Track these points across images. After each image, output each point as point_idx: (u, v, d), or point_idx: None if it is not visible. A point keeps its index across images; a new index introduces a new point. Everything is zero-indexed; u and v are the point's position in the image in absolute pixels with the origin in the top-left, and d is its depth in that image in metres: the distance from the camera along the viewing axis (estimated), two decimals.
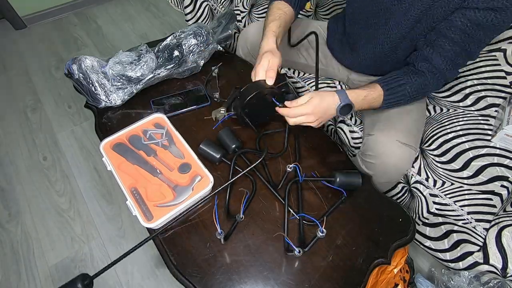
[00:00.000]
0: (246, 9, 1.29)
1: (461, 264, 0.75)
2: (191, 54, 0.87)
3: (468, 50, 0.65)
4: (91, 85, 0.79)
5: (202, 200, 0.69)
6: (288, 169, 0.68)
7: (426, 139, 0.87)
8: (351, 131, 0.91)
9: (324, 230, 0.58)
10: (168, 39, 0.87)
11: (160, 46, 0.86)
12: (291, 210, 0.66)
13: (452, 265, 0.76)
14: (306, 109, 0.65)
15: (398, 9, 0.70)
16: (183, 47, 0.85)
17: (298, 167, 0.68)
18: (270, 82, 0.67)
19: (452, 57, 0.66)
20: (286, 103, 0.68)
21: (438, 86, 0.73)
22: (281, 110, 0.68)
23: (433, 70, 0.69)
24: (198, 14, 1.30)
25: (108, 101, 0.81)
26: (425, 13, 0.66)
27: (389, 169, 0.75)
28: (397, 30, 0.72)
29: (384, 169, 0.75)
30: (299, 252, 0.58)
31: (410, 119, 0.79)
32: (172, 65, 0.85)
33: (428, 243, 0.82)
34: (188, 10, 1.28)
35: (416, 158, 0.84)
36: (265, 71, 0.68)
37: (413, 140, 0.76)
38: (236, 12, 1.28)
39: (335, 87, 1.01)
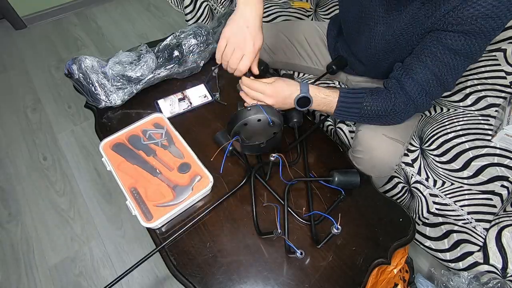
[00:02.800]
0: None
1: (461, 264, 0.74)
2: (191, 54, 0.87)
3: (441, 78, 0.62)
4: (91, 85, 0.79)
5: (202, 200, 0.69)
6: (271, 158, 0.63)
7: (426, 139, 0.87)
8: (351, 131, 0.91)
9: (339, 226, 0.57)
10: (168, 39, 0.87)
11: (160, 46, 0.86)
12: (292, 212, 0.66)
13: (452, 265, 0.76)
14: (268, 89, 0.65)
15: (381, 18, 0.68)
16: (183, 47, 0.85)
17: (281, 158, 0.62)
18: (255, 71, 0.68)
19: (423, 83, 0.63)
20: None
21: (406, 113, 0.68)
22: (244, 78, 0.68)
23: (401, 93, 0.65)
24: (198, 14, 1.30)
25: (108, 101, 0.81)
26: (406, 29, 0.65)
27: (377, 163, 0.75)
28: (383, 41, 0.71)
29: (372, 163, 0.75)
30: (301, 254, 0.57)
31: None
32: (172, 65, 0.85)
33: (428, 243, 0.82)
34: (188, 10, 1.28)
35: (416, 158, 0.84)
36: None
37: (400, 134, 0.76)
38: None
39: (335, 87, 1.01)
